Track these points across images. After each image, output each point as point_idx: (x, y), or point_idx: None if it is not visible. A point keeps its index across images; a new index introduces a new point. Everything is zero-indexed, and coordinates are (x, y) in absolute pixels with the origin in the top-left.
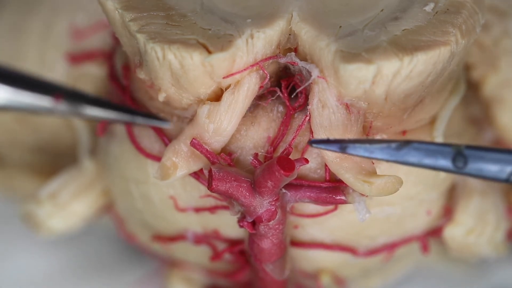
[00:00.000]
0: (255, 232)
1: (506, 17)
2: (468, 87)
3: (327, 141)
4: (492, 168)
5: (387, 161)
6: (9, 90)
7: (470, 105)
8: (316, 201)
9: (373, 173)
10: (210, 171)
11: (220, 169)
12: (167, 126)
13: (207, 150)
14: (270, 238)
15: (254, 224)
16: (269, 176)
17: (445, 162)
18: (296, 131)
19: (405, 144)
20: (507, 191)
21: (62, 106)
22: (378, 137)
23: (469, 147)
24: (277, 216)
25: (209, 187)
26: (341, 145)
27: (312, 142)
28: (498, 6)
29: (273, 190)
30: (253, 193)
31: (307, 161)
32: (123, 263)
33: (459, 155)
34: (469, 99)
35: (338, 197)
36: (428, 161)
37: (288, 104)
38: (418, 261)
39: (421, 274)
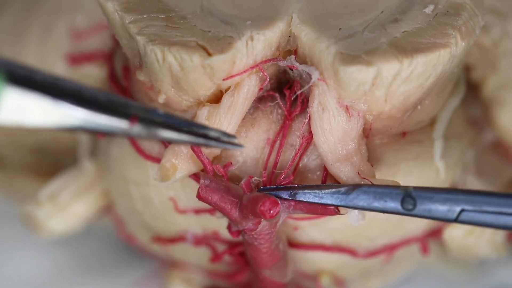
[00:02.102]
0: (245, 239)
1: (506, 18)
2: (468, 88)
3: (276, 188)
4: (441, 208)
5: (337, 206)
6: (85, 112)
7: (470, 106)
8: (309, 213)
9: (372, 176)
10: (200, 182)
11: (210, 181)
12: (241, 149)
13: (205, 157)
14: (258, 246)
15: (241, 232)
16: (251, 211)
17: (394, 205)
18: (294, 156)
19: (354, 188)
20: (507, 190)
21: (137, 128)
22: (377, 140)
23: (418, 188)
24: (260, 227)
25: (197, 195)
26: (291, 191)
27: (261, 190)
28: (498, 7)
29: (255, 221)
30: (237, 212)
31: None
32: (123, 263)
33: (408, 197)
34: (469, 100)
35: (329, 208)
36: (377, 204)
37: (286, 113)
38: (418, 262)
39: (421, 274)
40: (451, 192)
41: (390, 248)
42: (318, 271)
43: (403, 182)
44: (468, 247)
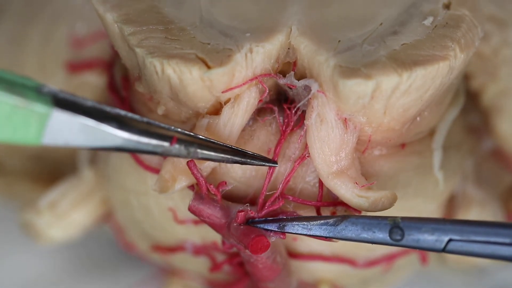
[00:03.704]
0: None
1: (505, 26)
2: (467, 96)
3: (265, 221)
4: (429, 238)
5: (325, 238)
6: (128, 134)
7: (469, 114)
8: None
9: (368, 188)
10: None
11: (202, 197)
12: (275, 165)
13: (200, 174)
14: (254, 263)
15: (232, 246)
16: (241, 243)
17: (382, 235)
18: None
19: (342, 219)
20: (506, 200)
21: (176, 147)
22: (376, 151)
23: (405, 218)
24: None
25: (188, 207)
26: (280, 223)
27: (250, 223)
28: (498, 16)
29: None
30: (226, 232)
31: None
32: (122, 266)
33: (396, 228)
34: (468, 108)
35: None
36: (365, 235)
37: (281, 129)
38: (416, 271)
39: (420, 278)
40: (438, 222)
41: (389, 258)
42: (318, 280)
43: (402, 193)
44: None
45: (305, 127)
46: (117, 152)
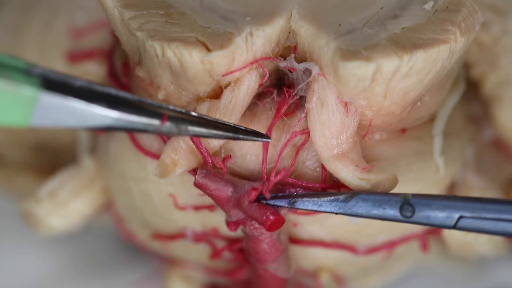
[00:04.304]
0: (245, 233)
1: (505, 15)
2: (467, 85)
3: (275, 197)
4: (439, 215)
5: (336, 213)
6: (118, 113)
7: (470, 104)
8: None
9: (369, 171)
10: (195, 172)
11: (207, 172)
12: (269, 141)
13: (204, 148)
14: (260, 238)
15: (239, 225)
16: (256, 219)
17: (393, 212)
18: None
19: (353, 195)
20: (507, 190)
21: (167, 125)
22: (377, 136)
23: (416, 195)
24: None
25: (194, 182)
26: (290, 199)
27: (260, 199)
28: (498, 5)
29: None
30: (232, 205)
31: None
32: (123, 263)
33: (406, 204)
34: (468, 98)
35: None
36: (376, 211)
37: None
38: (417, 259)
39: (420, 273)
40: (449, 199)
41: (390, 245)
42: (318, 268)
43: (402, 179)
44: (467, 245)
45: (305, 110)
46: (109, 131)
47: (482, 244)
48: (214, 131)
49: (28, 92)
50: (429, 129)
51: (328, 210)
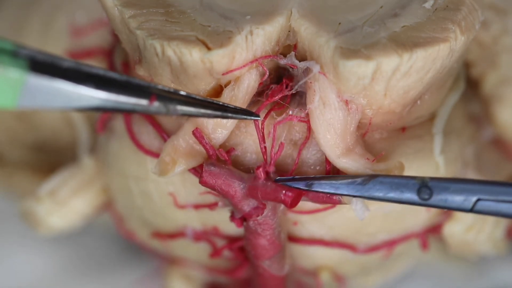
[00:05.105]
0: (247, 228)
1: (505, 14)
2: (467, 84)
3: (292, 179)
4: (457, 198)
5: (353, 196)
6: (105, 94)
7: (470, 103)
8: (312, 200)
9: (378, 161)
10: (201, 166)
11: (213, 165)
12: (258, 119)
13: (207, 142)
14: (262, 234)
15: (244, 220)
16: (270, 198)
17: (410, 195)
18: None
19: (370, 178)
20: None
21: (156, 105)
22: (377, 134)
23: (434, 178)
24: (265, 212)
25: (200, 180)
26: (307, 182)
27: (277, 180)
28: (498, 4)
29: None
30: (242, 194)
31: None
32: (123, 263)
33: (424, 187)
34: (468, 97)
35: (334, 197)
36: (393, 194)
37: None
38: (417, 258)
39: (420, 272)
40: (467, 182)
41: (390, 244)
42: (318, 266)
43: None
44: (467, 243)
45: (306, 110)
46: (97, 112)
47: (482, 243)
48: (203, 110)
49: (14, 74)
50: (429, 128)
51: (345, 192)
